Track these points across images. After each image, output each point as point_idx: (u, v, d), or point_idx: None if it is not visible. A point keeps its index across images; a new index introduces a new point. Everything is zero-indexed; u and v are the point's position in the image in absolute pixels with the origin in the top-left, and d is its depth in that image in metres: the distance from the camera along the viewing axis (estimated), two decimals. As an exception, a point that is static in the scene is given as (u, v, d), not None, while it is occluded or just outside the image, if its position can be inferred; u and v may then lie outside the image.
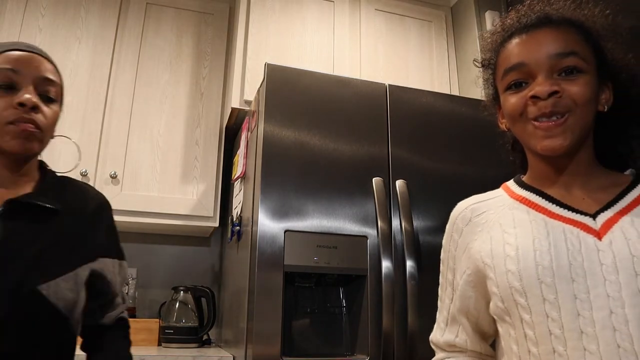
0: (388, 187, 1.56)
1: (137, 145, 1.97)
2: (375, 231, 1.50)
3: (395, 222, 1.53)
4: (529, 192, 0.77)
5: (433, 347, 0.86)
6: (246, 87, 1.91)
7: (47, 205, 0.83)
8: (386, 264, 1.45)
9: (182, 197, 1.98)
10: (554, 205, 0.72)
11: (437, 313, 0.87)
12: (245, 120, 1.86)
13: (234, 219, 1.76)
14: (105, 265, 0.91)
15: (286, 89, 1.54)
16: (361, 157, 1.56)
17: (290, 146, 1.49)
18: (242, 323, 1.48)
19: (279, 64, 1.58)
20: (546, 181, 0.76)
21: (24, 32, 1.94)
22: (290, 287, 1.50)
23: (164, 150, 2.00)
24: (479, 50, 2.20)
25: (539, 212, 0.72)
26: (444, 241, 0.86)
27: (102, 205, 0.95)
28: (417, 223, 1.56)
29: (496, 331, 0.77)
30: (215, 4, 2.26)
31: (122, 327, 0.98)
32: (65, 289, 0.79)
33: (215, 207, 2.02)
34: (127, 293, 2.00)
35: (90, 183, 1.85)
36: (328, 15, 2.15)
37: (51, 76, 0.85)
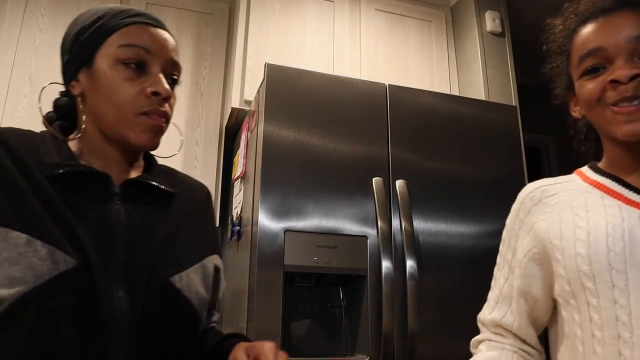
0: (388, 187, 1.56)
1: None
2: (375, 231, 1.50)
3: (395, 222, 1.53)
4: (604, 178, 0.75)
5: (479, 325, 0.84)
6: (246, 87, 1.91)
7: (164, 187, 0.74)
8: (386, 264, 1.45)
9: (182, 197, 1.98)
10: (631, 191, 0.70)
11: (490, 292, 0.85)
12: (245, 120, 1.86)
13: (234, 219, 1.76)
14: (219, 261, 0.80)
15: (286, 89, 1.54)
16: (361, 157, 1.56)
17: (290, 146, 1.49)
18: (242, 323, 1.48)
19: (279, 64, 1.58)
20: (623, 168, 0.74)
21: (24, 32, 1.94)
22: (290, 287, 1.50)
23: (164, 150, 2.00)
24: (479, 50, 2.20)
25: (614, 197, 0.70)
26: (508, 220, 0.84)
27: (209, 196, 0.86)
28: (417, 223, 1.56)
29: (550, 320, 0.76)
30: (215, 4, 2.26)
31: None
32: (197, 282, 0.70)
33: (215, 207, 2.02)
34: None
35: (90, 183, 1.85)
36: (328, 15, 2.15)
37: (177, 57, 0.74)
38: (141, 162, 0.79)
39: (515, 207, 0.83)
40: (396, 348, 1.43)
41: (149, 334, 0.63)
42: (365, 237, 1.49)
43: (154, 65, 0.70)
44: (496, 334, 0.80)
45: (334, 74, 1.72)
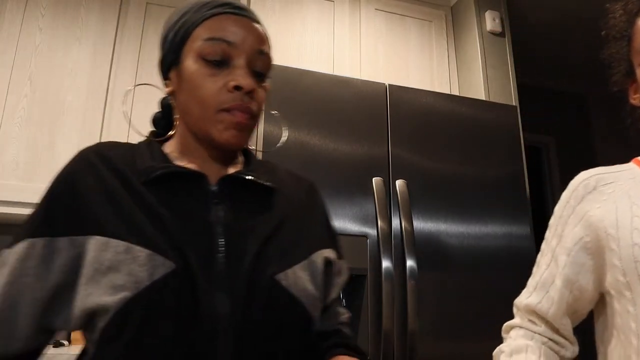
0: (388, 187, 1.56)
1: (137, 145, 1.97)
2: (375, 231, 1.50)
3: (395, 222, 1.53)
4: None
5: (514, 310, 0.82)
6: (246, 87, 1.91)
7: (262, 182, 0.70)
8: (386, 264, 1.45)
9: (182, 197, 1.98)
10: None
11: (530, 278, 0.81)
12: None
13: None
14: (332, 254, 0.75)
15: (286, 89, 1.54)
16: (361, 157, 1.56)
17: (290, 146, 1.49)
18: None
19: (279, 64, 1.58)
20: None
21: (24, 32, 1.94)
22: (290, 287, 1.50)
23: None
24: (479, 50, 2.20)
25: None
26: (556, 207, 0.81)
27: (313, 190, 0.80)
28: (417, 223, 1.56)
29: (597, 313, 0.73)
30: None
31: (341, 336, 0.77)
32: (305, 279, 0.65)
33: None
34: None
35: (90, 183, 1.85)
36: (328, 15, 2.15)
37: (266, 48, 0.70)
38: (240, 159, 0.75)
39: (566, 194, 0.80)
40: (396, 348, 1.43)
41: (256, 336, 0.59)
42: (365, 237, 1.49)
43: (238, 57, 0.66)
44: (529, 320, 0.77)
45: (334, 74, 1.72)
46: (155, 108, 2.15)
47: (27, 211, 1.78)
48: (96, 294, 0.57)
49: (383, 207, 1.51)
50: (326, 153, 1.53)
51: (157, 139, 0.72)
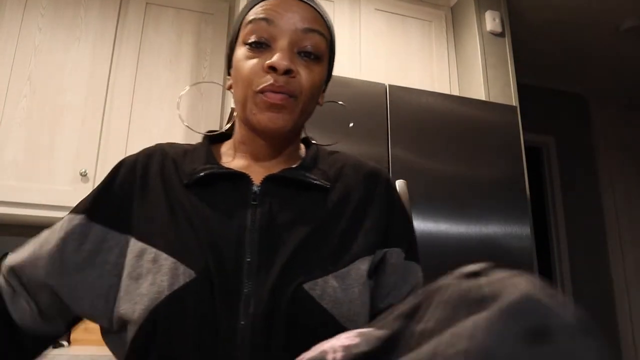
0: (388, 187, 1.56)
1: (137, 145, 1.97)
2: (375, 231, 1.50)
3: (395, 222, 1.53)
4: None
5: None
6: (246, 87, 1.91)
7: (311, 180, 0.64)
8: (386, 264, 1.45)
9: (182, 197, 1.98)
10: None
11: None
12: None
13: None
14: (392, 257, 0.67)
15: (286, 89, 1.54)
16: (361, 157, 1.56)
17: (290, 146, 1.49)
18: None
19: (279, 64, 1.58)
20: None
21: (24, 32, 1.94)
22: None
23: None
24: (479, 49, 2.20)
25: None
26: None
27: (382, 182, 0.73)
28: (417, 223, 1.55)
29: None
30: (215, 3, 2.25)
31: None
32: (339, 290, 0.58)
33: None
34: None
35: (90, 183, 1.85)
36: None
37: (315, 26, 0.65)
38: (302, 151, 0.72)
39: None
40: (396, 348, 1.43)
41: (277, 348, 0.54)
42: (365, 237, 1.49)
43: (280, 38, 0.62)
44: None
45: (334, 74, 1.72)
46: (156, 106, 2.15)
47: (27, 211, 1.77)
48: (125, 300, 0.57)
49: (383, 207, 1.51)
50: (326, 153, 1.53)
51: (214, 134, 0.72)
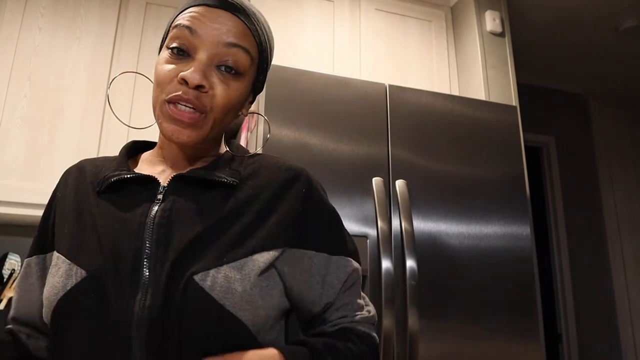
0: (388, 187, 1.56)
1: (137, 145, 1.97)
2: (375, 231, 1.50)
3: (395, 222, 1.53)
4: None
5: None
6: (246, 87, 1.91)
7: (216, 178, 0.65)
8: (386, 264, 1.45)
9: (182, 197, 1.97)
10: None
11: None
12: (244, 121, 1.86)
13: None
14: (296, 258, 0.66)
15: (286, 89, 1.54)
16: (361, 157, 1.56)
17: (290, 146, 1.49)
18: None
19: (278, 64, 1.58)
20: None
21: (24, 32, 1.94)
22: (290, 287, 1.50)
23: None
24: (479, 49, 2.20)
25: None
26: None
27: (293, 180, 0.71)
28: (417, 223, 1.55)
29: None
30: (215, 3, 2.25)
31: (347, 336, 0.66)
32: (235, 281, 0.58)
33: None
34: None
35: (90, 183, 1.85)
36: (328, 15, 2.15)
37: (239, 41, 0.63)
38: (219, 152, 0.72)
39: None
40: (396, 348, 1.43)
41: (170, 342, 0.55)
42: (365, 237, 1.49)
43: (200, 49, 0.62)
44: None
45: (334, 74, 1.72)
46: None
47: (27, 211, 1.77)
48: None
49: (383, 207, 1.51)
50: (326, 153, 1.53)
51: (139, 141, 0.77)
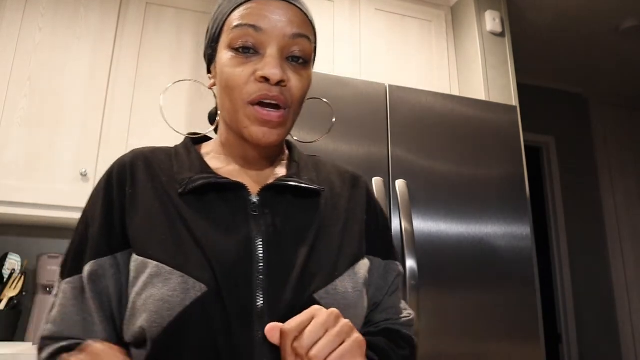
0: (388, 187, 1.56)
1: (137, 145, 1.97)
2: (375, 231, 1.50)
3: (395, 222, 1.53)
4: None
5: None
6: (246, 87, 1.91)
7: (308, 186, 0.64)
8: (386, 264, 1.45)
9: (182, 196, 1.97)
10: None
11: None
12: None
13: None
14: (373, 265, 0.68)
15: (286, 89, 1.54)
16: (361, 157, 1.56)
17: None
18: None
19: (279, 64, 1.58)
20: None
21: (24, 31, 1.94)
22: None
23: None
24: (479, 49, 2.20)
25: None
26: None
27: (362, 187, 0.73)
28: (417, 223, 1.55)
29: None
30: (214, 3, 2.25)
31: (393, 337, 0.67)
32: (349, 294, 0.59)
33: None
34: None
35: (90, 183, 1.85)
36: (328, 15, 2.15)
37: (303, 30, 0.63)
38: (285, 154, 0.72)
39: None
40: (396, 348, 1.43)
41: None
42: (365, 237, 1.49)
43: (269, 44, 0.60)
44: None
45: (334, 74, 1.72)
46: (156, 106, 2.15)
47: (27, 211, 1.77)
48: (135, 317, 0.56)
49: (383, 207, 1.51)
50: (326, 153, 1.53)
51: (195, 137, 0.71)
